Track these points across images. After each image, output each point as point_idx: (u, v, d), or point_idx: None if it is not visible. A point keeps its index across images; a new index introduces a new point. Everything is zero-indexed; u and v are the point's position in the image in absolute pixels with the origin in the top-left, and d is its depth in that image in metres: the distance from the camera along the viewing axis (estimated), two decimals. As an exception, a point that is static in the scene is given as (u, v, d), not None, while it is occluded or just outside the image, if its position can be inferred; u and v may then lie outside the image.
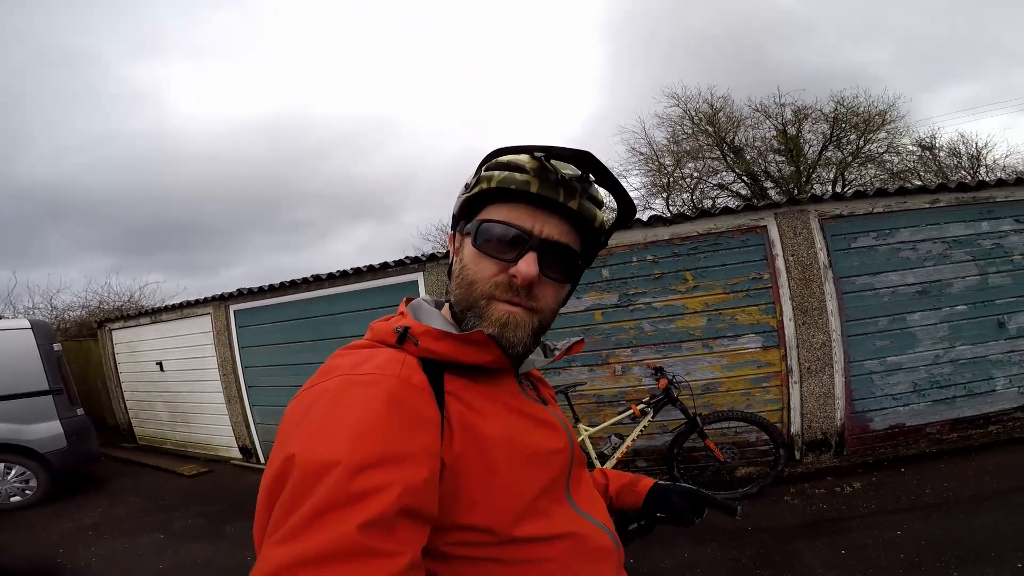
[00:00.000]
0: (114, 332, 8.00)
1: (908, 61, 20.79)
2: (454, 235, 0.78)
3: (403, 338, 0.67)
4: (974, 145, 13.71)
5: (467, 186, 0.74)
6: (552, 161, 0.67)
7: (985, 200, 4.17)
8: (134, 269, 31.28)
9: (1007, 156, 13.55)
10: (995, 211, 4.18)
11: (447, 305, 0.78)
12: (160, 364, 7.20)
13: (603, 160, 0.68)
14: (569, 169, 0.68)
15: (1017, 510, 3.00)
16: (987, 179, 4.35)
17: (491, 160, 0.72)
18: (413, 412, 0.57)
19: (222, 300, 6.28)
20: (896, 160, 14.05)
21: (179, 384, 7.02)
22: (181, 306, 6.82)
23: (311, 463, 0.50)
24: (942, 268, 4.16)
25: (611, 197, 0.75)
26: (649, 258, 4.37)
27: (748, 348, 4.24)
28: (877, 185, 10.66)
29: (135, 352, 7.68)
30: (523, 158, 0.68)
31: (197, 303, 6.56)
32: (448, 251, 0.80)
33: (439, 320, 0.73)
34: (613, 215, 0.79)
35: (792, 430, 4.20)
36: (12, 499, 5.12)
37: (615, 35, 30.89)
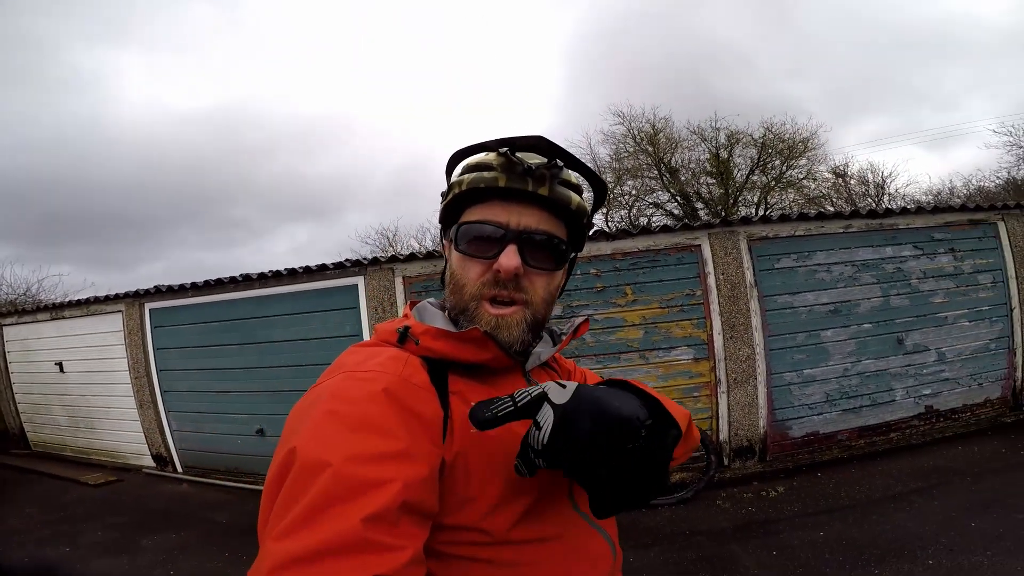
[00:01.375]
0: (5, 328, 7.24)
1: (830, 94, 22.91)
2: (443, 244, 0.79)
3: (404, 338, 0.67)
4: (880, 174, 15.28)
5: (443, 194, 0.75)
6: (518, 153, 0.67)
7: (890, 227, 4.62)
8: (37, 260, 27.99)
9: (907, 185, 15.30)
10: (898, 237, 4.65)
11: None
12: (60, 365, 6.56)
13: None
14: (535, 158, 0.68)
15: (921, 510, 3.30)
16: (891, 207, 4.81)
17: (456, 163, 0.74)
18: (413, 410, 0.58)
19: (136, 297, 5.77)
20: (813, 186, 15.37)
21: (82, 387, 6.41)
22: (88, 302, 6.22)
23: (312, 456, 0.50)
24: (852, 289, 4.56)
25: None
26: (592, 272, 4.48)
27: (681, 360, 4.43)
28: (796, 209, 11.64)
29: (30, 351, 6.98)
30: (491, 156, 0.69)
31: (107, 299, 6.01)
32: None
33: (441, 320, 0.73)
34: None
35: (721, 437, 4.42)
36: None
37: (571, 57, 31.68)
